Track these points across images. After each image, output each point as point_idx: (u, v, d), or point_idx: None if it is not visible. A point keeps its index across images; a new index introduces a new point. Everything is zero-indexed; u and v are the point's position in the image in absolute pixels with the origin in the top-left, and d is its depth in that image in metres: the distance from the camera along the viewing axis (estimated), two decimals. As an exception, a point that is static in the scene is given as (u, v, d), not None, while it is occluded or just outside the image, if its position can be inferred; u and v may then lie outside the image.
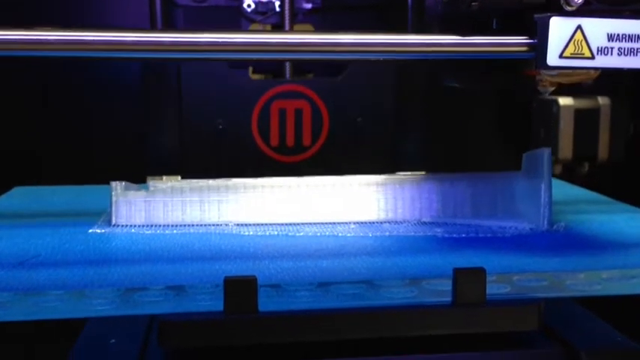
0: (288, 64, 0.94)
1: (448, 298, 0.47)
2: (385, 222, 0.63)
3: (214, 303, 0.45)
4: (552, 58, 0.53)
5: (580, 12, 0.53)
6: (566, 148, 0.98)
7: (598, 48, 0.54)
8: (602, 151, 0.99)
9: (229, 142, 0.93)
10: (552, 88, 0.60)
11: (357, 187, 0.64)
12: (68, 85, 0.98)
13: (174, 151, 0.94)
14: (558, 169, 1.00)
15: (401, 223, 0.63)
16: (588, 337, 0.50)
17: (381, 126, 0.96)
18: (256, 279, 0.45)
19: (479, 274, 0.48)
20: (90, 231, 0.60)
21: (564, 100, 0.97)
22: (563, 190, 0.80)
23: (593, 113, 0.98)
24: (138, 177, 0.92)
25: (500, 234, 0.60)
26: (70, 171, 0.97)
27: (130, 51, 0.53)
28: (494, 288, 0.49)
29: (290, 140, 0.94)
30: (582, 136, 0.98)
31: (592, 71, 0.58)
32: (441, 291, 0.48)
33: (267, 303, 0.46)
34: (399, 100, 0.96)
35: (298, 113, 0.94)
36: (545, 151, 0.60)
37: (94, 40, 0.52)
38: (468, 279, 0.47)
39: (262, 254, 0.54)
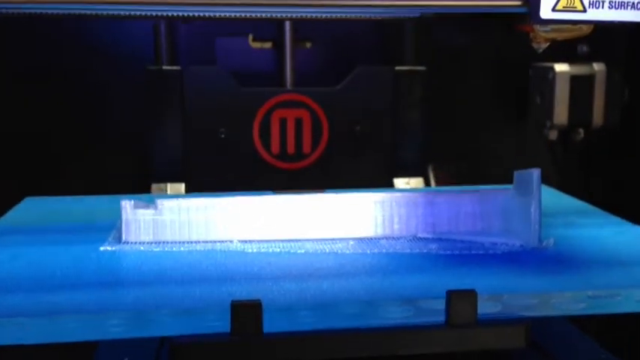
0: (289, 75, 0.97)
1: (442, 317, 0.51)
2: (382, 238, 0.66)
3: (222, 324, 0.48)
4: (546, 12, 0.56)
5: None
6: (561, 113, 1.01)
7: (590, 1, 0.56)
8: (597, 117, 1.02)
9: (232, 150, 0.96)
10: (546, 45, 0.62)
11: (355, 203, 0.67)
12: (72, 90, 1.00)
13: (178, 158, 0.96)
14: (554, 134, 1.04)
15: (397, 239, 0.66)
16: (574, 354, 0.54)
17: (379, 134, 0.98)
18: (261, 303, 0.48)
19: (470, 295, 0.51)
20: (101, 249, 0.63)
21: (560, 67, 1.00)
22: (554, 199, 0.83)
23: (589, 80, 1.01)
24: (143, 182, 0.96)
25: (492, 250, 0.62)
26: (77, 176, 1.01)
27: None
28: (486, 307, 0.52)
29: (290, 148, 0.97)
30: (577, 102, 1.01)
31: (584, 27, 0.60)
32: (436, 310, 0.51)
33: (271, 324, 0.49)
34: (396, 108, 0.99)
35: (298, 122, 0.97)
36: (535, 171, 0.63)
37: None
38: (460, 300, 0.51)
39: (266, 274, 0.56)
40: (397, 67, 0.98)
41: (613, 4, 0.57)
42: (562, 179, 1.08)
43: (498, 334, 0.51)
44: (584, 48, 1.04)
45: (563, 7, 0.56)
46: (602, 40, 1.00)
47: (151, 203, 0.67)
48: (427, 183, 1.06)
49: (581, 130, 1.05)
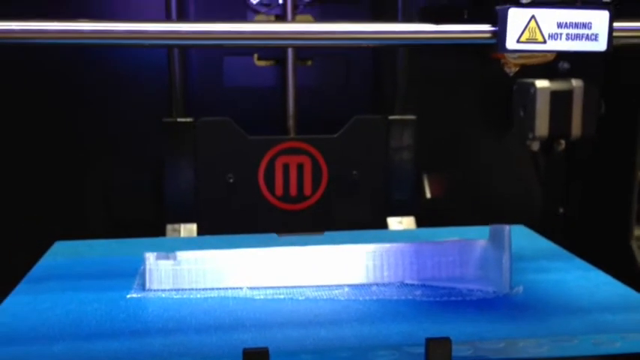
0: (291, 123, 1.06)
1: (422, 361, 0.60)
2: (374, 284, 0.75)
3: (236, 368, 0.58)
4: (511, 43, 0.65)
5: (535, 3, 0.64)
6: (542, 126, 1.08)
7: (549, 34, 0.65)
8: (576, 129, 1.09)
9: (239, 193, 1.05)
10: (516, 69, 0.71)
11: (349, 254, 0.76)
12: (94, 139, 1.10)
13: (190, 201, 1.05)
14: (536, 145, 1.11)
15: (387, 285, 0.75)
16: None
17: (373, 177, 1.07)
18: (268, 350, 0.57)
19: (446, 343, 0.60)
20: (128, 296, 0.72)
21: (541, 83, 1.08)
22: (526, 242, 0.91)
23: (567, 94, 1.08)
24: (159, 223, 1.05)
25: (469, 297, 0.71)
26: (100, 218, 1.10)
27: (140, 39, 0.64)
28: (460, 351, 0.61)
29: (293, 190, 1.06)
30: (557, 116, 1.08)
31: (548, 54, 0.68)
32: (417, 354, 0.60)
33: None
34: (389, 154, 1.07)
35: (300, 167, 1.05)
36: (506, 228, 0.72)
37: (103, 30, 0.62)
38: (437, 347, 0.60)
39: (272, 321, 0.65)
40: (390, 117, 1.07)
41: (569, 36, 0.65)
42: (544, 186, 1.17)
43: (470, 375, 0.60)
44: (564, 65, 1.11)
45: (527, 39, 0.64)
46: (581, 58, 1.06)
47: (170, 254, 0.76)
48: (422, 192, 1.15)
49: (563, 141, 1.12)
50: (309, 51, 1.11)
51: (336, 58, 1.12)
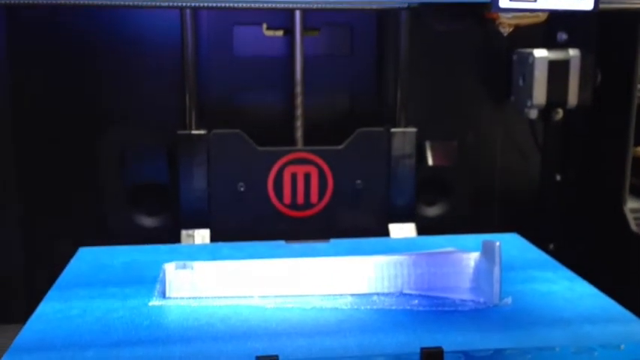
0: (300, 136, 1.12)
1: (418, 369, 0.67)
2: (374, 294, 0.81)
3: (249, 374, 0.65)
4: (504, 2, 0.69)
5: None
6: (540, 94, 1.12)
7: None
8: (572, 98, 1.14)
9: (249, 201, 1.11)
10: (510, 29, 0.76)
11: (353, 265, 0.83)
12: (113, 148, 1.16)
13: (204, 208, 1.11)
14: (534, 113, 1.15)
15: (387, 295, 0.81)
16: None
17: (376, 186, 1.13)
18: (278, 357, 0.64)
19: (438, 352, 0.67)
20: (150, 304, 0.78)
21: (539, 52, 1.12)
22: (518, 252, 0.97)
23: (565, 64, 1.12)
24: (175, 229, 1.12)
25: (461, 307, 0.78)
26: (121, 224, 1.16)
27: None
28: (451, 359, 0.68)
29: (300, 199, 1.12)
30: (554, 84, 1.12)
31: (541, 14, 0.74)
32: (413, 362, 0.67)
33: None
34: (391, 164, 1.13)
35: (307, 176, 1.12)
36: (497, 243, 0.78)
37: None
38: (430, 356, 0.67)
39: (282, 330, 0.72)
40: (392, 129, 1.13)
41: None
42: (543, 154, 1.24)
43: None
44: (563, 36, 1.16)
45: None
46: (579, 29, 1.13)
47: (187, 263, 0.83)
48: (424, 160, 1.20)
49: (560, 110, 1.17)
50: (316, 21, 1.15)
51: (342, 28, 1.16)
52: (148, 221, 1.17)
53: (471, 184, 1.22)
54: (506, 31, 0.77)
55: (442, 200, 1.23)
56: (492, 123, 1.22)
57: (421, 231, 1.16)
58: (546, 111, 1.18)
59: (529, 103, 1.13)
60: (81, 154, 1.13)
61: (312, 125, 1.14)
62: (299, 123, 1.12)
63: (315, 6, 0.75)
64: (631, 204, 1.12)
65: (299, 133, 1.13)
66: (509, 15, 0.74)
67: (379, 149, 1.12)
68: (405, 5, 0.77)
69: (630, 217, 1.10)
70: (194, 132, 1.09)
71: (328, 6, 0.77)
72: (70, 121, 1.12)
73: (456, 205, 1.22)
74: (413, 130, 1.13)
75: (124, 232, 1.14)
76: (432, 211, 1.23)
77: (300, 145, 1.13)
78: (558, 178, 1.24)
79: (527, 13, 0.73)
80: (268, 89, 1.15)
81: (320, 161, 1.11)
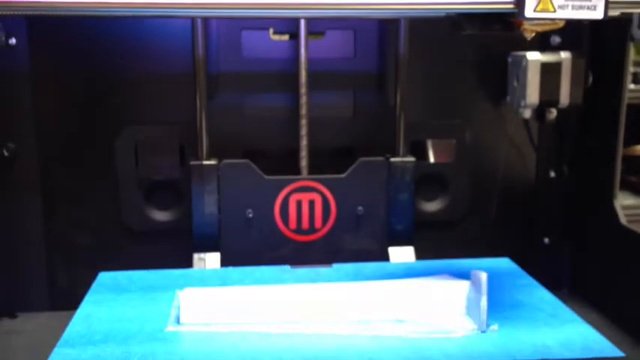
0: (304, 165, 1.19)
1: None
2: (372, 320, 0.88)
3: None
4: (529, 12, 0.81)
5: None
6: (533, 95, 1.19)
7: (558, 5, 0.81)
8: (564, 98, 1.20)
9: (257, 226, 1.18)
10: (532, 35, 0.86)
11: (352, 292, 0.90)
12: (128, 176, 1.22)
13: (214, 233, 1.18)
14: (528, 113, 1.22)
15: (383, 321, 0.88)
16: None
17: (376, 213, 1.20)
18: (284, 384, 0.72)
19: (429, 378, 0.74)
20: (166, 330, 0.86)
21: (532, 55, 1.18)
22: (507, 278, 1.04)
23: (556, 66, 1.19)
24: (187, 253, 1.19)
25: (452, 334, 0.85)
26: (137, 249, 1.24)
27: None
28: (442, 383, 0.75)
29: (305, 224, 1.19)
30: (547, 85, 1.19)
31: (558, 22, 0.84)
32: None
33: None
34: (390, 192, 1.20)
35: (311, 203, 1.18)
36: (484, 274, 0.85)
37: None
38: (421, 382, 0.74)
39: (286, 356, 0.79)
40: (391, 159, 1.20)
41: (575, 7, 0.81)
42: (537, 152, 1.30)
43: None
44: (556, 39, 1.23)
45: (541, 9, 0.81)
46: (571, 33, 1.19)
47: (200, 290, 0.90)
48: (425, 157, 1.28)
49: (554, 110, 1.25)
50: (321, 25, 1.21)
51: (346, 33, 1.22)
52: (160, 215, 1.24)
53: (469, 181, 1.28)
54: (529, 36, 0.87)
55: (441, 196, 1.29)
56: (489, 122, 1.29)
57: (419, 226, 1.23)
58: (540, 111, 1.26)
59: (523, 103, 1.20)
60: (99, 150, 1.21)
61: (314, 124, 1.20)
62: (304, 153, 1.19)
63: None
64: (622, 199, 1.20)
65: (304, 163, 1.19)
66: (533, 22, 0.84)
67: (379, 178, 1.19)
68: (443, 14, 0.86)
69: (620, 212, 1.18)
70: (205, 162, 1.16)
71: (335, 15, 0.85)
72: (89, 120, 1.20)
73: (453, 200, 1.29)
74: (411, 159, 1.20)
75: (138, 225, 1.22)
76: (431, 207, 1.30)
77: (305, 174, 1.19)
78: (552, 174, 1.32)
79: (548, 21, 0.83)
80: (275, 90, 1.22)
81: (323, 189, 1.18)
